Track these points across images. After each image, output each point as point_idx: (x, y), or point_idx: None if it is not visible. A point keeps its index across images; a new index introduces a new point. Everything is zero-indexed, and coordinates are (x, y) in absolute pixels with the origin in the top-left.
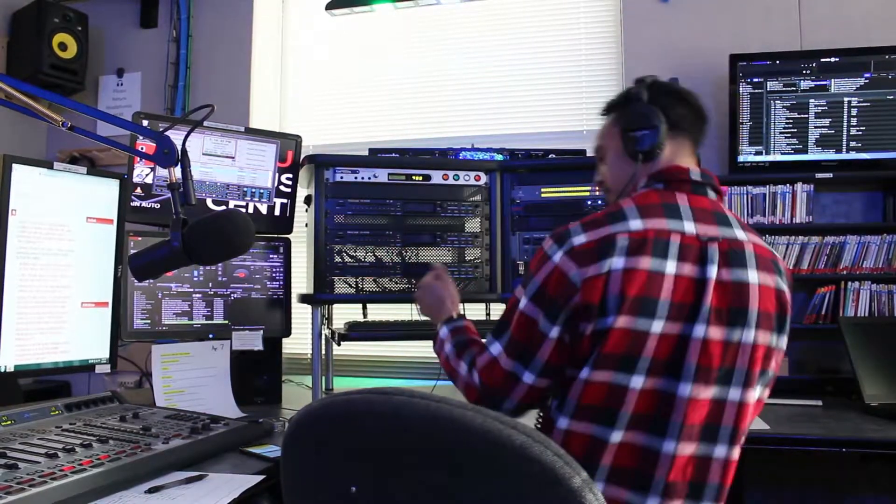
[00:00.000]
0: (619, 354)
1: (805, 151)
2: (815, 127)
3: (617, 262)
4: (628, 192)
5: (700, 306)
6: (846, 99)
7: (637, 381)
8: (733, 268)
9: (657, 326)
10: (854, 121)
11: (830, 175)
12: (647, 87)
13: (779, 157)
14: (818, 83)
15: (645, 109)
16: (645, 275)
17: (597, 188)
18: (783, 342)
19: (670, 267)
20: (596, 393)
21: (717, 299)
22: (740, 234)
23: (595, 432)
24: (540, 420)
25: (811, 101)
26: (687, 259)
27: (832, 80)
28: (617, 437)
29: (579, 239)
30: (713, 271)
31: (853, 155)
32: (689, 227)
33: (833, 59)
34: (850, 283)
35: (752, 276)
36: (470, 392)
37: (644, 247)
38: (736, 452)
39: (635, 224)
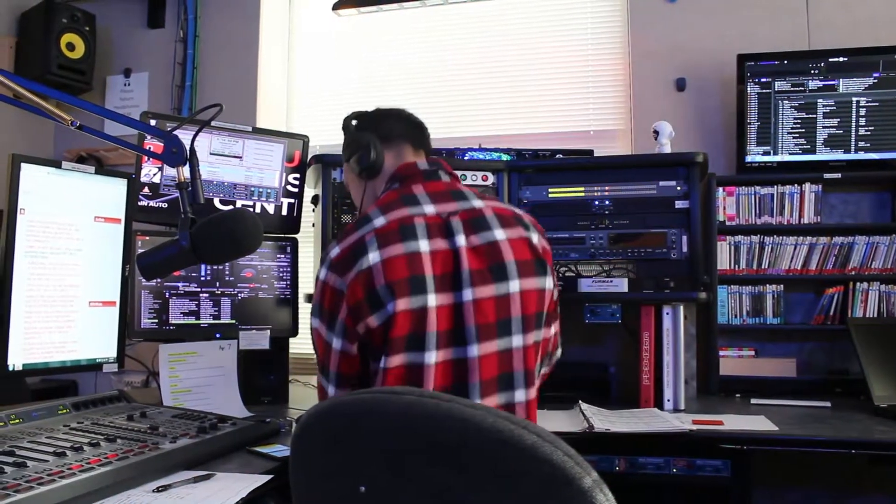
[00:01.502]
0: (406, 336)
1: (813, 151)
2: (824, 127)
3: (372, 256)
4: (369, 204)
5: (461, 273)
6: (854, 99)
7: (431, 357)
8: (479, 232)
9: (432, 300)
10: (863, 121)
11: (839, 175)
12: (353, 118)
13: (787, 158)
14: (826, 83)
15: (354, 136)
16: (404, 258)
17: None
18: (549, 283)
19: (423, 245)
20: (396, 378)
21: (475, 262)
22: (477, 203)
23: None
24: None
25: (819, 100)
26: (435, 236)
27: (840, 79)
28: None
29: (335, 251)
30: (462, 240)
31: (862, 155)
32: (429, 209)
33: (841, 59)
34: (858, 284)
35: (499, 234)
36: None
37: (392, 236)
38: (533, 392)
39: (379, 221)
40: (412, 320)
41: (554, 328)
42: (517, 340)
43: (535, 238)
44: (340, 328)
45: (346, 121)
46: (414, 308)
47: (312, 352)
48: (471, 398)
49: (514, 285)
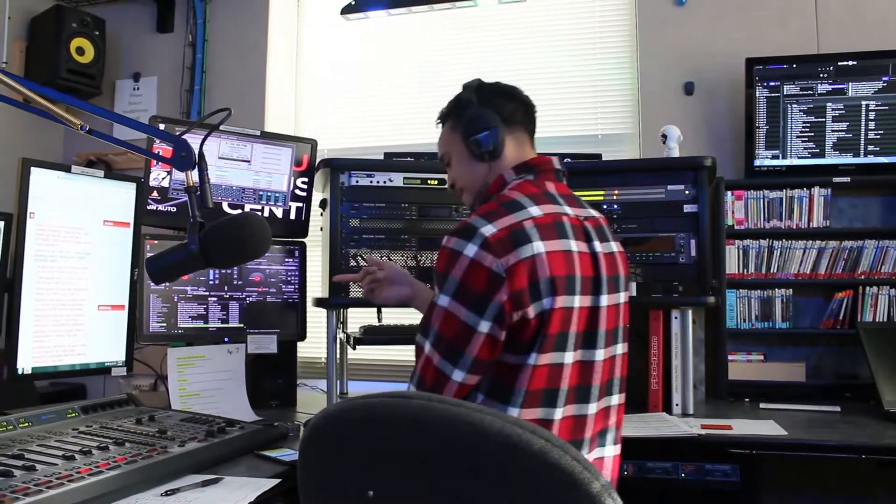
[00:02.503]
0: (556, 334)
1: (822, 155)
2: (833, 131)
3: (536, 246)
4: (486, 190)
5: (600, 278)
6: (864, 102)
7: (569, 357)
8: (603, 241)
9: (577, 301)
10: (872, 124)
11: (848, 179)
12: (475, 91)
13: (796, 161)
14: (835, 87)
15: (480, 112)
16: (562, 255)
17: (453, 190)
18: (625, 298)
19: (573, 245)
20: (542, 376)
21: (607, 269)
22: (594, 212)
23: (542, 415)
24: None
25: (828, 104)
26: (579, 238)
27: (850, 83)
28: (559, 414)
29: (489, 229)
30: (598, 246)
31: (871, 159)
32: (567, 209)
33: (850, 63)
34: (868, 288)
35: (615, 246)
36: None
37: (550, 230)
38: (623, 397)
39: (535, 211)
40: (563, 319)
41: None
42: (621, 348)
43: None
44: (495, 312)
45: (467, 89)
46: (566, 307)
47: (320, 356)
48: (589, 400)
49: (623, 297)
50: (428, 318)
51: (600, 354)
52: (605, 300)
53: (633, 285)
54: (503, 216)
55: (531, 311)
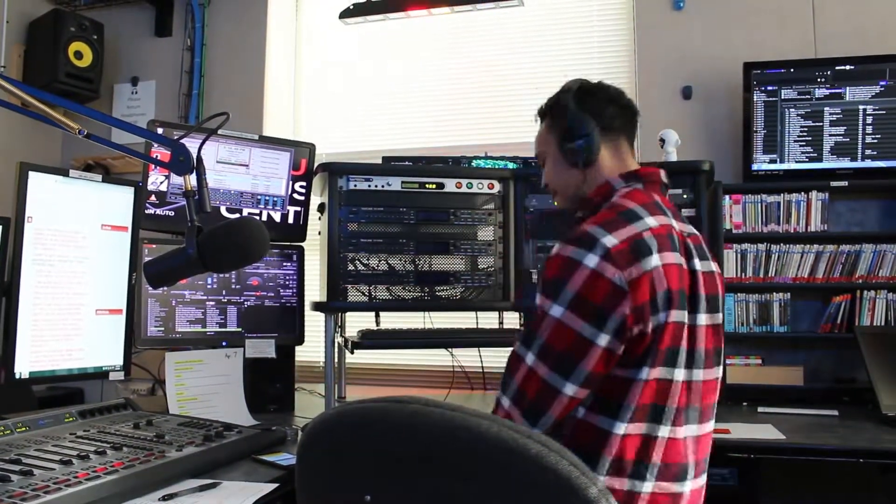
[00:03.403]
0: (667, 349)
1: (820, 159)
2: (830, 135)
3: (655, 259)
4: (586, 196)
5: (698, 296)
6: (861, 107)
7: (679, 374)
8: (702, 259)
9: (682, 316)
10: (869, 129)
11: (846, 183)
12: (574, 94)
13: (793, 166)
14: (833, 91)
15: (576, 118)
16: (676, 268)
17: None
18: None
19: (679, 259)
20: (651, 391)
21: (704, 288)
22: (692, 228)
23: (647, 431)
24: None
25: (826, 109)
26: (682, 253)
27: (847, 87)
28: (664, 432)
29: (611, 241)
30: (697, 264)
31: (868, 163)
32: (674, 223)
33: (848, 67)
34: (865, 292)
35: (713, 266)
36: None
37: (666, 242)
38: (713, 422)
39: (651, 221)
40: (674, 334)
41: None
42: (718, 372)
43: None
44: (616, 325)
45: (566, 92)
46: (678, 322)
47: (318, 360)
48: (691, 421)
49: (719, 318)
50: (535, 329)
51: (700, 374)
52: (703, 319)
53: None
54: (623, 226)
55: (650, 325)
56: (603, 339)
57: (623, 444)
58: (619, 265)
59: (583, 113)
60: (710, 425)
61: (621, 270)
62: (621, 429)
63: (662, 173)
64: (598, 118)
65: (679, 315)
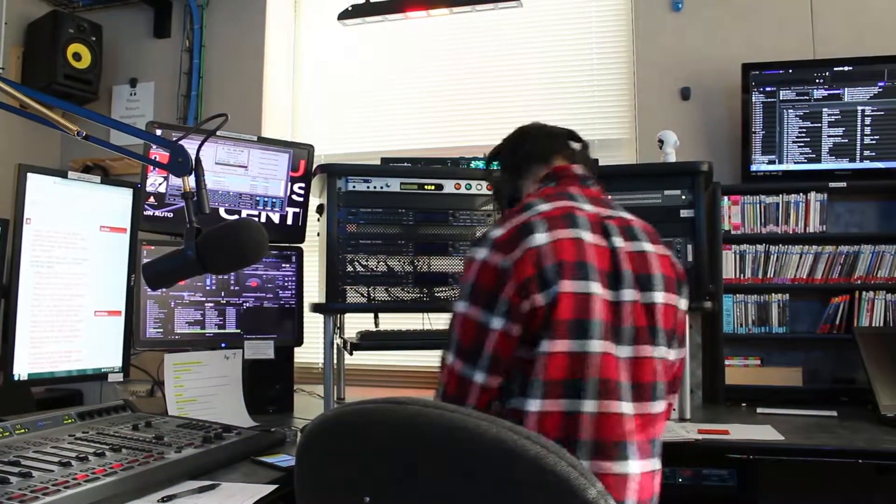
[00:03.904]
0: (571, 320)
1: (818, 160)
2: (829, 136)
3: (540, 237)
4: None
5: (620, 273)
6: (860, 108)
7: (594, 346)
8: (632, 241)
9: (596, 288)
10: (868, 130)
11: (844, 184)
12: (502, 162)
13: (792, 167)
14: (831, 92)
15: (501, 186)
16: (571, 242)
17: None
18: (683, 305)
19: (586, 236)
20: (559, 365)
21: (630, 266)
22: (626, 215)
23: (567, 407)
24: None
25: (824, 109)
26: (596, 231)
27: (846, 88)
28: (590, 407)
29: (497, 233)
30: (619, 242)
31: (867, 164)
32: (588, 207)
33: (846, 68)
34: (864, 293)
35: (648, 246)
36: None
37: (559, 220)
38: (665, 405)
39: (544, 207)
40: (576, 304)
41: (682, 352)
42: (661, 351)
43: (675, 259)
44: (504, 307)
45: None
46: (578, 292)
47: (317, 361)
48: (623, 398)
49: (659, 297)
50: (450, 330)
51: (630, 351)
52: (629, 295)
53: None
54: (513, 218)
55: (540, 299)
56: (497, 322)
57: (542, 423)
58: (504, 251)
59: (508, 176)
60: (655, 406)
61: (505, 255)
62: (534, 406)
63: (577, 168)
64: (520, 172)
65: (580, 286)
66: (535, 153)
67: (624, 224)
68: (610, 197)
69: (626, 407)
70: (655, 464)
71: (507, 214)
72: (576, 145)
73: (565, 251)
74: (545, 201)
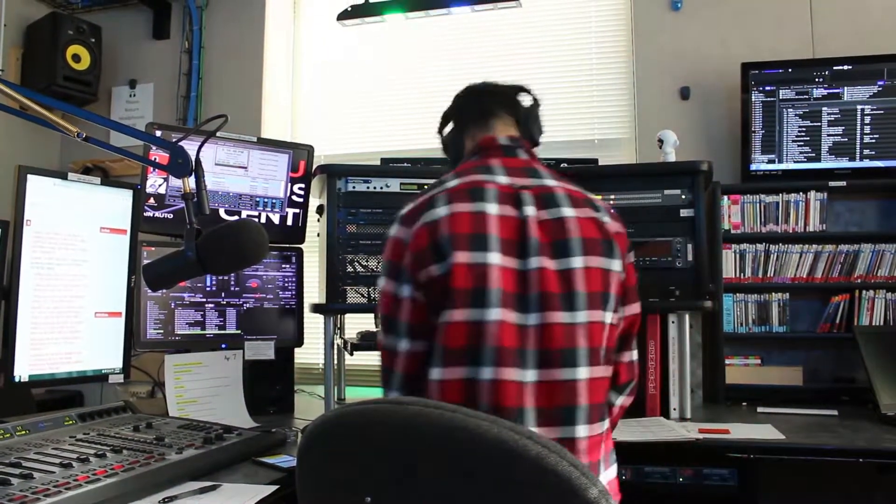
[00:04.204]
0: (468, 290)
1: (818, 159)
2: (829, 135)
3: (439, 210)
4: None
5: (528, 242)
6: (859, 107)
7: (492, 314)
8: (549, 208)
9: (494, 258)
10: (867, 129)
11: (844, 183)
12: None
13: (792, 166)
14: (831, 91)
15: (446, 139)
16: (469, 215)
17: None
18: (616, 265)
19: (491, 208)
20: (458, 333)
21: (543, 236)
22: (550, 181)
23: (467, 374)
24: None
25: (824, 109)
26: (504, 202)
27: (845, 87)
28: (487, 374)
29: (405, 210)
30: (530, 211)
31: (867, 163)
32: (503, 179)
33: (846, 67)
34: (864, 292)
35: (568, 211)
36: None
37: (461, 195)
38: (599, 371)
39: (452, 183)
40: (473, 275)
41: (628, 311)
42: (581, 316)
43: (607, 219)
44: (407, 275)
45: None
46: (474, 263)
47: (318, 362)
48: (529, 365)
49: (577, 261)
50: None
51: (537, 318)
52: (538, 262)
53: (631, 256)
54: (422, 196)
55: (435, 270)
56: (405, 290)
57: (444, 390)
58: (406, 224)
59: (451, 133)
60: (575, 372)
61: (408, 228)
62: (437, 374)
63: (501, 137)
64: (458, 118)
65: (476, 256)
66: (476, 111)
67: (543, 191)
68: (538, 163)
69: (526, 374)
70: (555, 433)
71: (420, 193)
72: (526, 100)
73: (461, 224)
74: (456, 177)
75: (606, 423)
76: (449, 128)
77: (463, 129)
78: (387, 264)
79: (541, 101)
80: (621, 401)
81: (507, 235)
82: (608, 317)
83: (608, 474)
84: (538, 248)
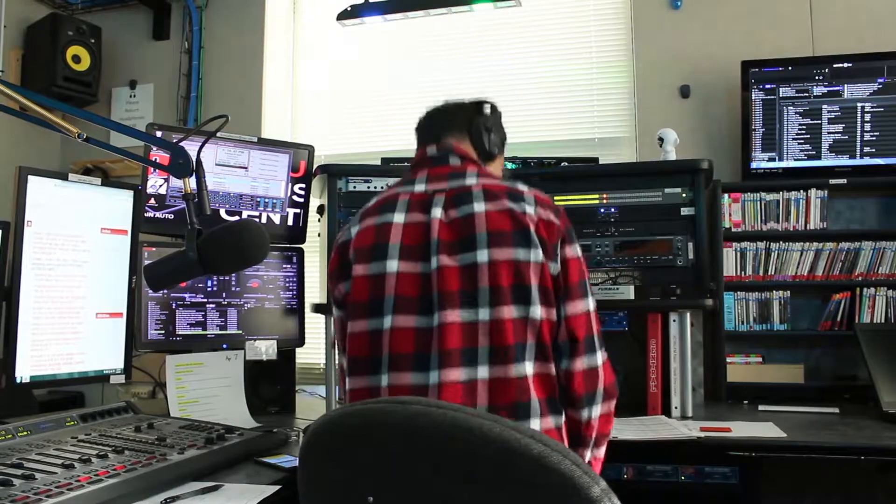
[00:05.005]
0: (366, 302)
1: (818, 157)
2: (829, 133)
3: (352, 231)
4: None
5: (429, 243)
6: (859, 104)
7: (387, 321)
8: (459, 206)
9: (392, 266)
10: (868, 126)
11: (844, 181)
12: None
13: (792, 164)
14: (831, 89)
15: None
16: (372, 228)
17: None
18: (536, 255)
19: (397, 217)
20: (359, 344)
21: (447, 235)
22: (471, 181)
23: (370, 383)
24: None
25: (824, 106)
26: (414, 210)
27: (845, 85)
28: (385, 381)
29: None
30: (437, 213)
31: (867, 160)
32: (420, 188)
33: (846, 65)
34: (865, 290)
35: (478, 206)
36: None
37: (372, 211)
38: (505, 371)
39: (371, 202)
40: (371, 286)
41: (569, 310)
42: (483, 313)
43: (529, 209)
44: (333, 298)
45: None
46: (372, 274)
47: (319, 362)
48: (430, 367)
49: (482, 255)
50: None
51: (437, 318)
52: (435, 262)
53: (569, 249)
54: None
55: (343, 287)
56: (335, 311)
57: (352, 400)
58: (335, 249)
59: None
60: (462, 373)
61: (336, 252)
62: (348, 383)
63: (429, 149)
64: (418, 144)
65: (375, 267)
66: (429, 134)
67: (458, 191)
68: (474, 166)
69: (429, 377)
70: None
71: None
72: (486, 111)
73: (364, 238)
74: (379, 195)
75: (533, 424)
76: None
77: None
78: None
79: (499, 109)
80: (593, 413)
81: (410, 241)
82: (534, 311)
83: None
84: (438, 247)
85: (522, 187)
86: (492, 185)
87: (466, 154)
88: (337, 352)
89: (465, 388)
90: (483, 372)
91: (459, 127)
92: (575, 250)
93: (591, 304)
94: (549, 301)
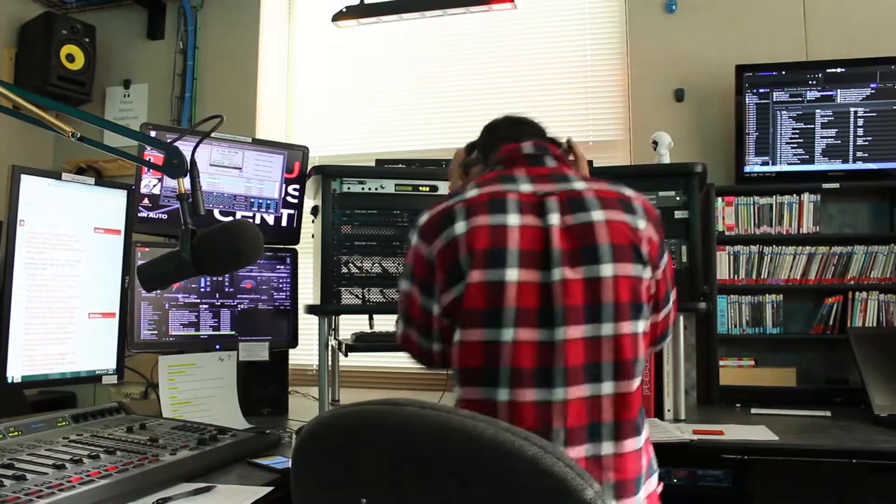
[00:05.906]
0: (482, 310)
1: (812, 161)
2: (822, 137)
3: (459, 227)
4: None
5: (550, 252)
6: (852, 109)
7: (508, 334)
8: (575, 213)
9: (512, 275)
10: (861, 131)
11: (837, 185)
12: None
13: (785, 168)
14: (824, 93)
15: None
16: (487, 229)
17: None
18: (647, 273)
19: (513, 220)
20: (473, 354)
21: (566, 243)
22: (579, 185)
23: (485, 395)
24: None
25: (817, 111)
26: (528, 212)
27: (838, 90)
28: (504, 395)
29: (423, 219)
30: (555, 219)
31: (860, 165)
32: (526, 187)
33: (839, 70)
34: (857, 294)
35: (597, 215)
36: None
37: (481, 207)
38: (628, 385)
39: (471, 194)
40: (487, 294)
41: (662, 315)
42: (608, 329)
43: (641, 225)
44: (437, 296)
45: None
46: (490, 281)
47: (312, 363)
48: (554, 384)
49: (607, 269)
50: (399, 303)
51: (562, 333)
52: (561, 273)
53: (664, 260)
54: (439, 205)
55: (455, 291)
56: (436, 309)
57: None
58: (427, 240)
59: (476, 161)
60: (589, 389)
61: (428, 244)
62: (458, 393)
63: (525, 146)
64: (483, 157)
65: (493, 274)
66: (508, 132)
67: (571, 196)
68: (569, 168)
69: (554, 393)
70: (603, 448)
71: (438, 201)
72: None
73: (480, 239)
74: (477, 187)
75: (642, 439)
76: (475, 154)
77: (493, 146)
78: (413, 273)
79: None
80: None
81: (529, 247)
82: (640, 326)
83: (647, 487)
84: (560, 258)
85: (629, 192)
86: (602, 190)
87: (560, 156)
88: (429, 340)
89: (589, 403)
90: (608, 388)
91: (540, 133)
92: (666, 258)
93: (673, 295)
94: (648, 315)
